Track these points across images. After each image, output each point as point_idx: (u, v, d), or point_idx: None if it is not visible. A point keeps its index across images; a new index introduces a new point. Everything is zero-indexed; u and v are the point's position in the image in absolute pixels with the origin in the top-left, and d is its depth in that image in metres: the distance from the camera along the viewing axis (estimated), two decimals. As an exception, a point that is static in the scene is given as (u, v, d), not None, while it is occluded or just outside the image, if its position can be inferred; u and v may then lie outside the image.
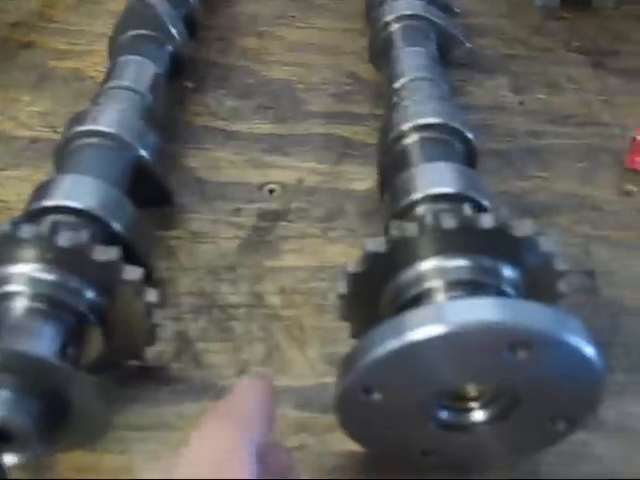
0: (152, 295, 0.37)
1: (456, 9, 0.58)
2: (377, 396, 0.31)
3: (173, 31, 0.53)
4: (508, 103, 0.57)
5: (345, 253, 0.47)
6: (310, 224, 0.49)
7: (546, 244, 0.34)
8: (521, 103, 0.57)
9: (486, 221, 0.33)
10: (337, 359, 0.40)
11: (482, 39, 0.62)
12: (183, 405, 0.40)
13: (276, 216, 0.49)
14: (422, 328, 0.29)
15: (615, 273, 0.46)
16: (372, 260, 0.35)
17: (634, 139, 0.51)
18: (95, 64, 0.60)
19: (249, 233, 0.48)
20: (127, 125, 0.45)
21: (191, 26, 0.58)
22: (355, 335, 0.40)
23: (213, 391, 0.41)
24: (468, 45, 0.55)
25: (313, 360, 0.42)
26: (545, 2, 0.65)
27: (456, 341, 0.29)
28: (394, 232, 0.34)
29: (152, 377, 0.41)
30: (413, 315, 0.30)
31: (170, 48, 0.53)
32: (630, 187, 0.51)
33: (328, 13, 0.65)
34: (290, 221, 0.49)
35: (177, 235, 0.48)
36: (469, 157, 0.44)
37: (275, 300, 0.45)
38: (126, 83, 0.48)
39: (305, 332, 0.43)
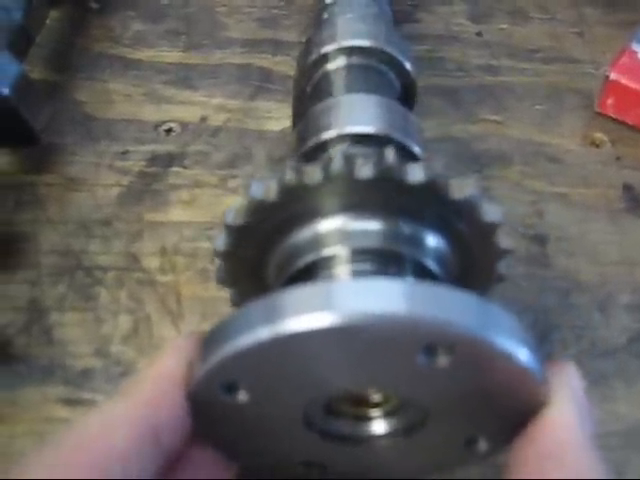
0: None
1: None
2: (243, 396, 0.23)
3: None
4: (463, 33, 0.48)
5: (244, 207, 0.39)
6: (208, 171, 0.41)
7: (489, 212, 0.26)
8: (478, 34, 0.48)
9: (414, 173, 0.25)
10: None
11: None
12: (18, 391, 0.33)
13: (169, 160, 0.41)
14: (303, 316, 0.20)
15: (571, 240, 0.38)
16: (258, 210, 0.26)
17: (607, 77, 0.42)
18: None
19: (133, 180, 0.40)
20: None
21: None
22: (236, 304, 0.31)
23: (60, 374, 0.33)
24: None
25: (188, 337, 0.34)
26: None
27: (348, 336, 0.21)
28: (289, 176, 0.25)
29: (-11, 354, 0.34)
30: (294, 295, 0.21)
31: (59, -43, 0.44)
32: (599, 135, 0.43)
33: None
34: (185, 167, 0.41)
35: (49, 181, 0.40)
36: (405, 92, 0.36)
37: (152, 262, 0.37)
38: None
39: (182, 303, 0.36)
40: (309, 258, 0.27)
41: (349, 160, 0.25)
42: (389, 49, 0.35)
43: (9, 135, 0.39)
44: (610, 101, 0.42)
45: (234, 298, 0.31)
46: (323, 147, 0.31)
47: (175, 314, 0.35)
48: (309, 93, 0.36)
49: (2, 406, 0.32)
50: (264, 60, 0.46)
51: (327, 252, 0.26)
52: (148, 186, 0.40)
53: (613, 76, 0.42)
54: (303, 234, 0.27)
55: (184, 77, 0.45)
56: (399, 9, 0.49)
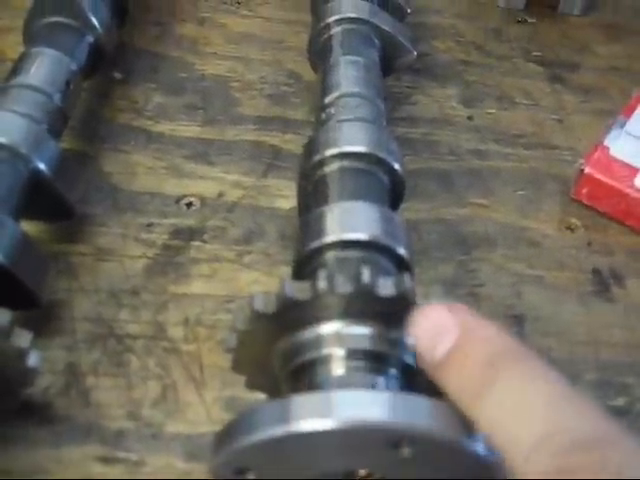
0: (23, 339, 0.34)
1: (408, 9, 0.54)
2: (251, 476, 0.28)
3: (94, 20, 0.49)
4: (456, 117, 0.53)
5: (258, 282, 0.44)
6: (225, 246, 0.45)
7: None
8: (469, 118, 0.53)
9: (386, 288, 0.30)
10: (236, 404, 0.38)
11: (436, 41, 0.58)
12: (62, 449, 0.37)
13: (190, 234, 0.45)
14: (308, 420, 0.27)
15: (545, 319, 0.44)
16: (261, 319, 0.31)
17: (581, 170, 0.47)
18: (17, 44, 0.55)
19: (158, 252, 0.45)
20: (25, 134, 0.41)
21: (121, 11, 0.53)
22: (249, 386, 0.36)
23: (97, 434, 0.38)
24: (414, 54, 0.50)
25: (210, 404, 0.39)
26: (508, 3, 0.61)
27: (341, 435, 0.27)
28: (286, 292, 0.31)
29: (33, 415, 0.38)
30: (299, 402, 0.27)
31: (90, 39, 0.49)
32: (573, 221, 0.48)
33: (276, 1, 0.61)
34: (204, 241, 0.45)
35: (81, 251, 0.45)
36: (394, 189, 0.41)
37: (177, 332, 0.42)
38: (31, 81, 0.44)
39: (205, 371, 0.40)
40: (311, 355, 0.32)
41: (331, 279, 0.30)
42: (381, 153, 0.40)
43: (46, 210, 0.43)
44: (584, 190, 0.48)
45: (247, 381, 0.36)
46: (319, 251, 0.36)
47: (198, 381, 0.40)
48: (310, 192, 0.41)
49: (47, 462, 0.37)
50: (274, 138, 0.51)
51: (325, 352, 0.32)
52: (171, 259, 0.44)
53: (587, 170, 0.47)
54: (304, 335, 0.32)
55: (202, 152, 0.50)
56: (398, 91, 0.54)
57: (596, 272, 0.46)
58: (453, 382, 0.26)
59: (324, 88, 0.46)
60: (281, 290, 0.31)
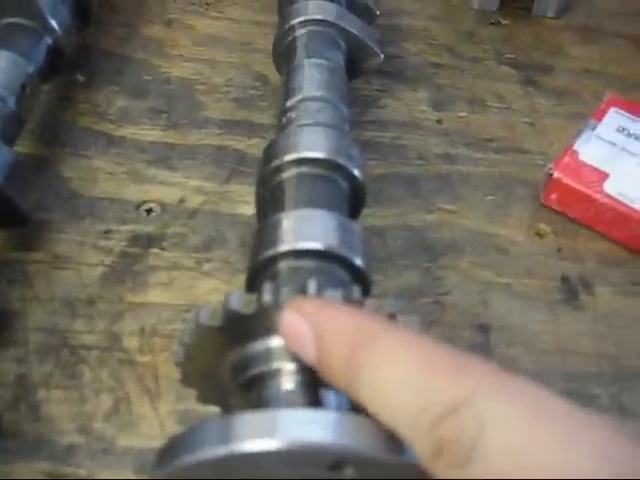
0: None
1: (377, 11, 0.53)
2: None
3: (52, 22, 0.47)
4: (425, 120, 0.52)
5: (217, 290, 0.42)
6: (185, 253, 0.44)
7: (409, 323, 0.30)
8: (439, 121, 0.52)
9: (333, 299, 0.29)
10: (190, 417, 0.36)
11: (408, 43, 0.57)
12: (10, 465, 0.36)
13: (149, 241, 0.44)
14: (250, 440, 0.25)
15: (512, 328, 0.43)
16: (207, 332, 0.30)
17: (551, 175, 0.46)
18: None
19: (115, 260, 0.43)
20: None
21: (84, 13, 0.52)
22: (201, 400, 0.35)
23: (46, 449, 0.37)
24: (381, 57, 0.49)
25: (164, 417, 0.38)
26: (482, 5, 0.60)
27: (284, 455, 0.25)
28: (231, 305, 0.29)
29: (-20, 430, 0.37)
30: (243, 421, 0.26)
31: (49, 41, 0.48)
32: (543, 227, 0.47)
33: (245, 2, 0.60)
34: (163, 249, 0.44)
35: (37, 258, 0.43)
36: (354, 196, 0.39)
37: (132, 343, 0.40)
38: (-17, 85, 0.43)
39: (159, 383, 0.39)
40: (259, 369, 0.31)
41: (275, 293, 0.29)
42: (340, 159, 0.39)
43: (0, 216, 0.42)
44: (554, 196, 0.47)
45: (198, 395, 0.35)
46: (273, 260, 0.35)
47: (153, 393, 0.39)
48: (268, 199, 0.40)
49: (-7, 481, 0.35)
50: (239, 142, 0.50)
51: (274, 366, 0.30)
52: (129, 267, 0.43)
53: (556, 174, 0.46)
54: (252, 349, 0.31)
55: (165, 157, 0.48)
56: (367, 94, 0.53)
57: (565, 279, 0.45)
58: (334, 380, 0.26)
59: (286, 91, 0.45)
60: (226, 303, 0.30)
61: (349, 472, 0.26)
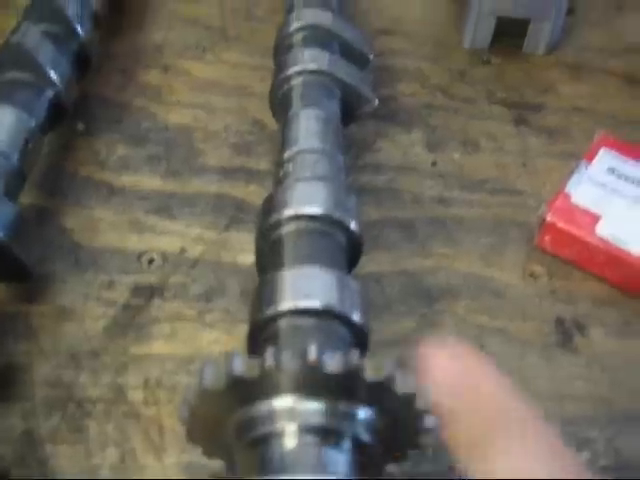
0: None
1: (371, 55, 0.54)
2: None
3: (53, 76, 0.48)
4: (420, 163, 0.53)
5: (219, 341, 0.43)
6: (186, 304, 0.45)
7: (404, 385, 0.31)
8: (434, 164, 0.53)
9: (332, 365, 0.30)
10: (195, 469, 0.37)
11: (401, 84, 0.58)
12: (19, 522, 0.37)
13: (151, 292, 0.45)
14: None
15: (508, 372, 0.43)
16: (211, 394, 0.31)
17: (544, 219, 0.47)
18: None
19: (118, 312, 0.44)
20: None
21: (83, 62, 0.53)
22: (207, 454, 0.36)
23: (54, 506, 0.37)
24: (375, 103, 0.50)
25: (169, 469, 0.39)
26: (473, 43, 0.61)
27: None
28: (234, 369, 0.30)
29: (-12, 487, 0.38)
30: None
31: (50, 94, 0.49)
32: (537, 268, 0.48)
33: (242, 46, 0.61)
34: (165, 299, 0.45)
35: (41, 311, 0.44)
36: (352, 248, 0.40)
37: (137, 395, 0.41)
38: (-13, 143, 0.44)
39: (164, 435, 0.40)
40: (262, 430, 0.31)
41: (277, 357, 0.30)
42: (337, 214, 0.40)
43: (3, 271, 0.43)
44: (547, 238, 0.48)
45: (204, 450, 0.36)
46: (273, 318, 0.35)
47: (158, 446, 0.39)
48: (267, 254, 0.40)
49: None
50: (237, 190, 0.51)
51: (277, 427, 0.31)
52: (132, 319, 0.44)
53: (549, 218, 0.47)
54: (255, 410, 0.32)
55: (164, 206, 0.49)
56: (362, 137, 0.54)
57: (559, 322, 0.45)
58: (457, 432, 0.27)
59: (283, 142, 0.46)
60: (229, 368, 0.31)
61: None
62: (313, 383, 0.31)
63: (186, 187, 0.51)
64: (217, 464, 0.37)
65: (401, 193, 0.51)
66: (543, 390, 0.43)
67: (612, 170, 0.50)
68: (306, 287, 0.36)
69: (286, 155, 0.45)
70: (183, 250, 0.47)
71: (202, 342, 0.43)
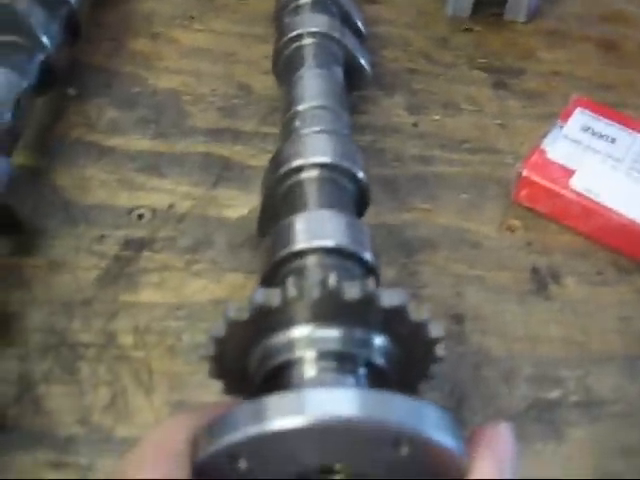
0: None
1: (364, 31, 0.55)
2: (243, 464, 0.29)
3: (44, 39, 0.50)
4: (402, 124, 0.55)
5: (206, 289, 0.45)
6: (175, 255, 0.46)
7: (417, 313, 0.33)
8: (415, 124, 0.55)
9: (351, 292, 0.32)
10: (183, 408, 0.39)
11: (385, 50, 0.60)
12: (13, 455, 0.38)
13: (141, 245, 0.47)
14: (282, 419, 0.27)
15: (485, 318, 0.45)
16: (235, 326, 0.33)
17: (520, 173, 0.49)
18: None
19: (109, 263, 0.46)
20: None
21: (74, 29, 0.55)
22: (227, 392, 0.37)
23: (48, 441, 0.39)
24: (370, 75, 0.52)
25: (158, 408, 0.40)
26: (455, 12, 0.63)
27: (316, 432, 0.28)
28: (258, 299, 0.32)
29: (-15, 424, 0.39)
30: (273, 402, 0.28)
31: (41, 57, 0.50)
32: (514, 222, 0.50)
33: (230, 15, 0.62)
34: (155, 251, 0.47)
35: (35, 263, 0.46)
36: (360, 197, 0.42)
37: (127, 340, 0.43)
38: (-20, 101, 0.45)
39: (153, 377, 0.41)
40: (283, 357, 0.33)
41: (299, 286, 0.32)
42: (346, 164, 0.42)
43: (-3, 225, 0.45)
44: (523, 193, 0.50)
45: (225, 387, 0.37)
46: (289, 259, 0.37)
47: (147, 387, 0.41)
48: (279, 203, 0.42)
49: (-1, 469, 0.38)
50: (224, 149, 0.52)
51: (297, 354, 0.33)
52: (122, 269, 0.45)
53: (525, 173, 0.49)
54: (276, 340, 0.34)
55: (154, 165, 0.51)
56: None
57: (535, 271, 0.47)
58: None
59: (291, 99, 0.47)
60: (252, 298, 0.32)
61: (405, 450, 0.28)
62: (332, 311, 0.33)
63: (174, 147, 0.52)
64: (205, 400, 0.38)
65: (384, 152, 0.53)
66: (519, 334, 0.45)
67: (587, 128, 0.51)
68: (320, 229, 0.38)
69: (294, 111, 0.46)
70: (171, 206, 0.49)
71: (189, 290, 0.45)
